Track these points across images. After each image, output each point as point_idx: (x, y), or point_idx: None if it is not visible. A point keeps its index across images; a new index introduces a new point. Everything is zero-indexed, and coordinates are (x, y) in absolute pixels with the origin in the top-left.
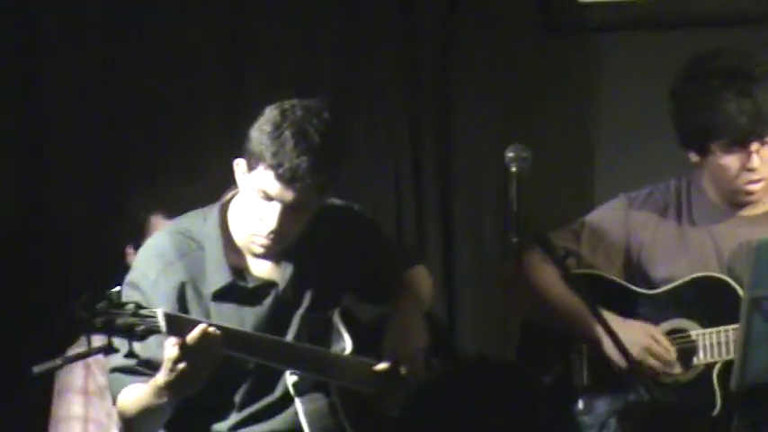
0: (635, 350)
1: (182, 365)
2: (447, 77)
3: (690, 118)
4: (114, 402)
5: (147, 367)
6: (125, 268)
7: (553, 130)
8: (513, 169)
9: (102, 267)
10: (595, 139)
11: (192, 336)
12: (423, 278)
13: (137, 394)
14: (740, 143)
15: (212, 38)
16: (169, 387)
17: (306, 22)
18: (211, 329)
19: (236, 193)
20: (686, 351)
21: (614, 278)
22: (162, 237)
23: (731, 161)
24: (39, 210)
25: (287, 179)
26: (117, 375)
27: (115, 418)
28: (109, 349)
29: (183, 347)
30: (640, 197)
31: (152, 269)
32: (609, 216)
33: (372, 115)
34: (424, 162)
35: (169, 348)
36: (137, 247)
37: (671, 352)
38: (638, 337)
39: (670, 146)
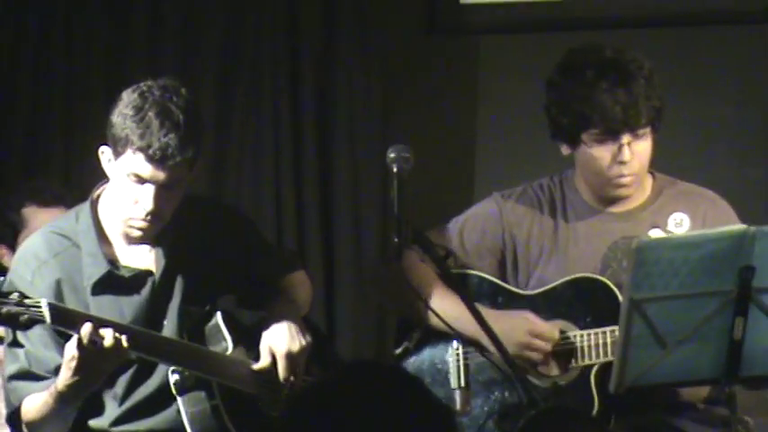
0: (513, 343)
1: (80, 363)
2: (328, 75)
3: (564, 108)
4: (14, 411)
5: (43, 370)
6: (2, 268)
7: (434, 131)
8: (395, 169)
9: None
10: (476, 139)
11: (84, 332)
12: (301, 283)
13: (39, 401)
14: (612, 134)
15: (94, 27)
16: (68, 388)
17: (188, 12)
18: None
19: (105, 188)
20: (564, 353)
21: (491, 278)
22: (36, 238)
23: (603, 152)
24: None
25: (158, 159)
26: (15, 383)
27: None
28: None
29: (79, 345)
30: (514, 194)
31: (27, 270)
32: (482, 214)
33: (252, 114)
34: (305, 163)
35: (67, 348)
36: (11, 247)
37: (549, 337)
38: (516, 331)
39: (551, 146)
